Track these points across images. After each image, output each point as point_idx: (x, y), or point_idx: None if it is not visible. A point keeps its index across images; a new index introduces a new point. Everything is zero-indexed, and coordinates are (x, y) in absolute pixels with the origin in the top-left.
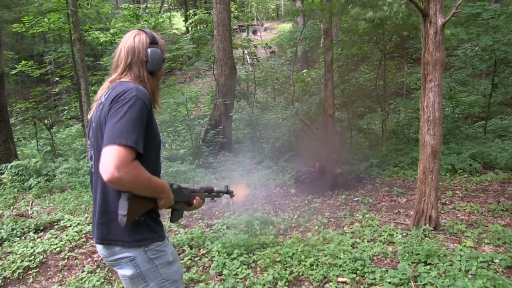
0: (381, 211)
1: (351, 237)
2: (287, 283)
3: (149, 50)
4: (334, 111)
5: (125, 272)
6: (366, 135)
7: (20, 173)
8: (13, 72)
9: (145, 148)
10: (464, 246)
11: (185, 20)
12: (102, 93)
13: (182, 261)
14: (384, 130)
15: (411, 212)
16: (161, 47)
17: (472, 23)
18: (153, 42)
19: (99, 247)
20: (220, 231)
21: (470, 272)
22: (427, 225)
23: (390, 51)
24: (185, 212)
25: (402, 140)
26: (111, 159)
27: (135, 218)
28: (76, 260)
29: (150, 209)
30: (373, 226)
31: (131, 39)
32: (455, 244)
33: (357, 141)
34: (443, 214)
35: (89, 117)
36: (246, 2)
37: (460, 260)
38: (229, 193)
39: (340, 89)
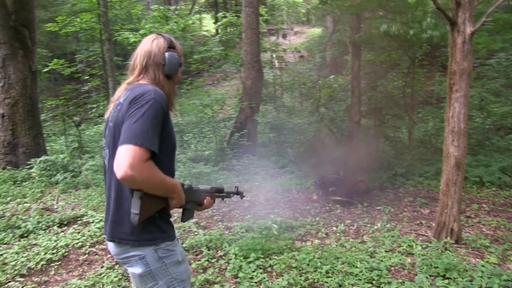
0: (402, 221)
1: (370, 246)
2: None
3: (166, 54)
4: (360, 118)
5: (135, 270)
6: (393, 144)
7: (48, 168)
8: (45, 70)
9: (160, 149)
10: (487, 262)
11: (215, 23)
12: (120, 94)
13: (199, 262)
14: (410, 139)
15: (433, 224)
16: (178, 51)
17: (509, 31)
18: (170, 47)
19: (110, 245)
20: (239, 234)
21: None
22: (449, 238)
23: (419, 58)
24: (205, 214)
25: (430, 150)
26: (125, 158)
27: (147, 217)
28: (96, 256)
29: (161, 208)
30: (392, 236)
31: (148, 43)
32: (477, 260)
33: (383, 149)
34: (467, 227)
35: (105, 116)
36: (276, 6)
37: (481, 277)
38: (239, 194)
39: (367, 96)
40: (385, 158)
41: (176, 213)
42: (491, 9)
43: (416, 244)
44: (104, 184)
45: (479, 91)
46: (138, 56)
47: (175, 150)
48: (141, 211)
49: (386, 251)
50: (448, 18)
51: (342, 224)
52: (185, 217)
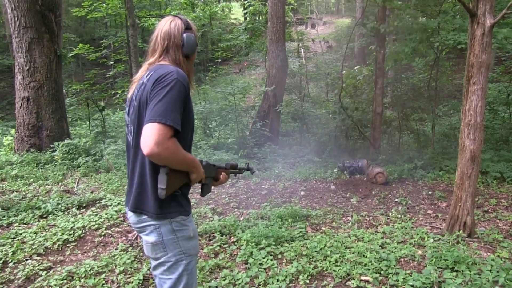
0: (418, 213)
1: (382, 237)
2: (309, 277)
3: (184, 35)
4: (383, 109)
5: (148, 238)
6: (416, 136)
7: (70, 151)
8: (70, 55)
9: (182, 126)
10: (498, 256)
11: (244, 10)
12: (142, 74)
13: (211, 247)
14: (433, 132)
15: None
16: (194, 32)
17: None
18: (187, 28)
19: (129, 214)
20: (252, 221)
21: (498, 283)
22: (461, 231)
23: (446, 51)
24: (222, 200)
25: (453, 143)
26: (152, 135)
27: (173, 191)
28: (112, 238)
29: (183, 184)
30: (406, 228)
31: (167, 25)
32: (488, 254)
33: (406, 141)
34: (483, 222)
35: (128, 96)
36: None
37: (490, 270)
38: (250, 169)
39: (392, 88)
40: (407, 150)
41: (194, 189)
42: None
43: (429, 237)
44: (127, 159)
45: (506, 85)
46: (158, 37)
47: (193, 129)
48: (168, 185)
49: (398, 243)
50: (468, 10)
51: (358, 215)
52: (204, 192)
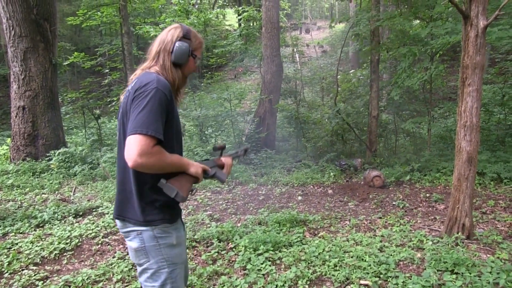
0: (416, 216)
1: (380, 241)
2: (308, 282)
3: (177, 43)
4: (379, 113)
5: (132, 244)
6: (412, 139)
7: (66, 160)
8: (66, 63)
9: (166, 134)
10: (498, 258)
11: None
12: (133, 79)
13: (209, 254)
14: (429, 134)
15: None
16: (193, 43)
17: None
18: (185, 37)
19: (116, 220)
20: (250, 227)
21: (499, 285)
22: (460, 233)
23: (440, 54)
24: (220, 206)
25: (449, 145)
26: (134, 147)
27: (189, 190)
28: (109, 246)
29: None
30: (404, 231)
31: (165, 32)
32: (488, 255)
33: (402, 144)
34: (482, 223)
35: (120, 101)
36: (300, 1)
37: (490, 272)
38: (245, 150)
39: (387, 91)
40: (403, 153)
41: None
42: (505, 2)
43: (427, 239)
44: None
45: (500, 86)
46: (155, 43)
47: (180, 135)
48: (179, 188)
49: (397, 246)
50: (461, 12)
51: (355, 219)
52: (220, 178)
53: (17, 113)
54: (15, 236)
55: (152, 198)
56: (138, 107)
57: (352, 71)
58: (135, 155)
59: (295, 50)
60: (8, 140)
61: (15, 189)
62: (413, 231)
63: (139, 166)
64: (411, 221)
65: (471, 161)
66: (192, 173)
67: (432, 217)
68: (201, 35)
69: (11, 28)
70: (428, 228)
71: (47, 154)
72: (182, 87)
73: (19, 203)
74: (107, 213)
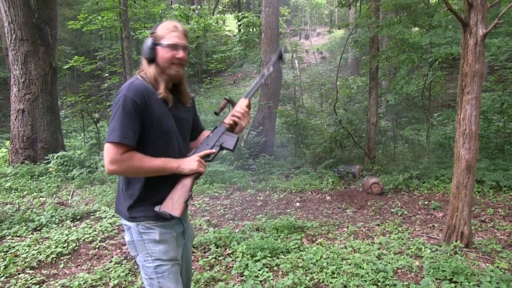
0: (414, 224)
1: (378, 248)
2: None
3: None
4: (377, 119)
5: (126, 236)
6: (410, 146)
7: (65, 163)
8: (65, 67)
9: (148, 136)
10: (497, 267)
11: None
12: None
13: (206, 259)
14: (428, 141)
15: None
16: (158, 33)
17: None
18: (152, 33)
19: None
20: (248, 233)
21: None
22: (458, 241)
23: (439, 61)
24: (217, 212)
25: (448, 153)
26: (106, 156)
27: (186, 203)
28: (106, 251)
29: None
30: (402, 239)
31: None
32: (487, 264)
33: (401, 151)
34: (480, 232)
35: None
36: (299, 7)
37: (490, 282)
38: (280, 56)
39: (385, 97)
40: (402, 160)
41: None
42: (504, 10)
43: (426, 247)
44: None
45: (499, 94)
46: None
47: (170, 134)
48: (170, 210)
49: (395, 253)
50: (460, 20)
51: (353, 226)
52: (228, 147)
53: (16, 116)
54: (12, 239)
55: (138, 196)
56: (111, 117)
57: (351, 77)
58: (107, 163)
59: (294, 56)
60: (7, 142)
61: (13, 192)
62: (411, 239)
63: (112, 173)
64: (409, 228)
65: (470, 169)
66: (186, 172)
67: (431, 225)
68: (178, 24)
69: (12, 32)
70: (427, 236)
71: (46, 158)
72: (175, 81)
73: (17, 206)
74: (105, 217)
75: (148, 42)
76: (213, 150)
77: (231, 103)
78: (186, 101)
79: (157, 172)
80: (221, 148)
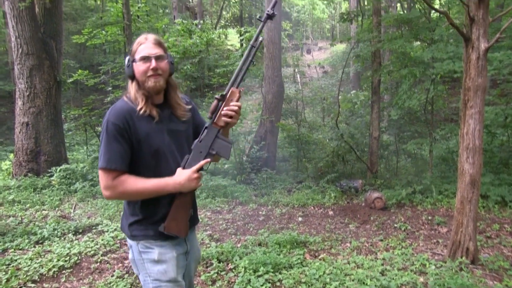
0: (418, 239)
1: (382, 264)
2: None
3: None
4: (380, 134)
5: (129, 254)
6: (413, 161)
7: (67, 176)
8: (70, 80)
9: (138, 154)
10: (506, 285)
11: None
12: None
13: (208, 274)
14: (431, 156)
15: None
16: (132, 50)
17: None
18: (130, 50)
19: None
20: (250, 248)
21: None
22: (464, 257)
23: (441, 75)
24: (220, 226)
25: (451, 167)
26: (100, 182)
27: (187, 210)
28: (108, 264)
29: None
30: (406, 255)
31: None
32: (495, 282)
33: (403, 165)
34: (486, 248)
35: None
36: (301, 22)
37: None
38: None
39: (388, 112)
40: (405, 174)
41: None
42: (506, 25)
43: (430, 263)
44: None
45: (503, 108)
46: None
47: (160, 151)
48: (177, 232)
49: (399, 269)
50: (462, 34)
51: (356, 241)
52: (223, 155)
53: (20, 129)
54: (15, 252)
55: (137, 214)
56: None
57: (353, 92)
58: (102, 189)
59: (296, 70)
60: (11, 155)
61: (16, 204)
62: (415, 255)
63: (108, 198)
64: (413, 244)
65: (474, 183)
66: (182, 190)
67: (435, 241)
68: (149, 34)
69: (19, 46)
70: (431, 252)
71: (49, 170)
72: (156, 92)
73: (20, 218)
74: (107, 231)
75: (126, 60)
76: (208, 160)
77: (223, 100)
78: (180, 114)
79: (153, 195)
80: (215, 155)
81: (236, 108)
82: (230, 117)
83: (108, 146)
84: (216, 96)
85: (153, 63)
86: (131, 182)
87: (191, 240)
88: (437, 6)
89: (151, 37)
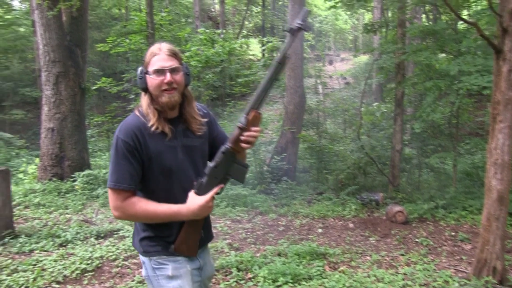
0: (441, 255)
1: (403, 279)
2: None
3: None
4: (402, 147)
5: (142, 271)
6: (436, 175)
7: (90, 181)
8: (93, 88)
9: (149, 172)
10: None
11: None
12: None
13: (227, 283)
14: (455, 170)
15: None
16: (145, 61)
17: None
18: (143, 60)
19: None
20: (270, 257)
21: None
22: (490, 277)
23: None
24: (239, 235)
25: (476, 183)
26: (110, 202)
27: (196, 233)
28: (128, 269)
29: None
30: (428, 270)
31: None
32: None
33: (426, 180)
34: None
35: None
36: (323, 32)
37: None
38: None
39: (411, 125)
40: (427, 189)
41: None
42: None
43: (453, 280)
44: None
45: None
46: None
47: (173, 171)
48: (188, 254)
49: (420, 285)
50: (493, 46)
51: (377, 254)
52: (239, 179)
53: (46, 134)
54: (40, 253)
55: (150, 231)
56: None
57: (376, 103)
58: (111, 209)
59: (318, 81)
60: (37, 159)
61: (41, 207)
62: (437, 271)
63: (119, 219)
64: (435, 260)
65: (502, 200)
66: (195, 218)
67: (458, 257)
68: (164, 44)
69: (46, 54)
70: (454, 269)
71: (72, 175)
72: (170, 108)
73: (44, 221)
74: (128, 237)
75: (138, 71)
76: (222, 185)
77: (246, 130)
78: (195, 128)
79: (165, 221)
80: (227, 180)
81: (256, 134)
82: (250, 143)
83: (117, 165)
84: (238, 124)
85: (168, 76)
86: (142, 205)
87: (204, 258)
88: (465, 17)
89: (165, 47)
